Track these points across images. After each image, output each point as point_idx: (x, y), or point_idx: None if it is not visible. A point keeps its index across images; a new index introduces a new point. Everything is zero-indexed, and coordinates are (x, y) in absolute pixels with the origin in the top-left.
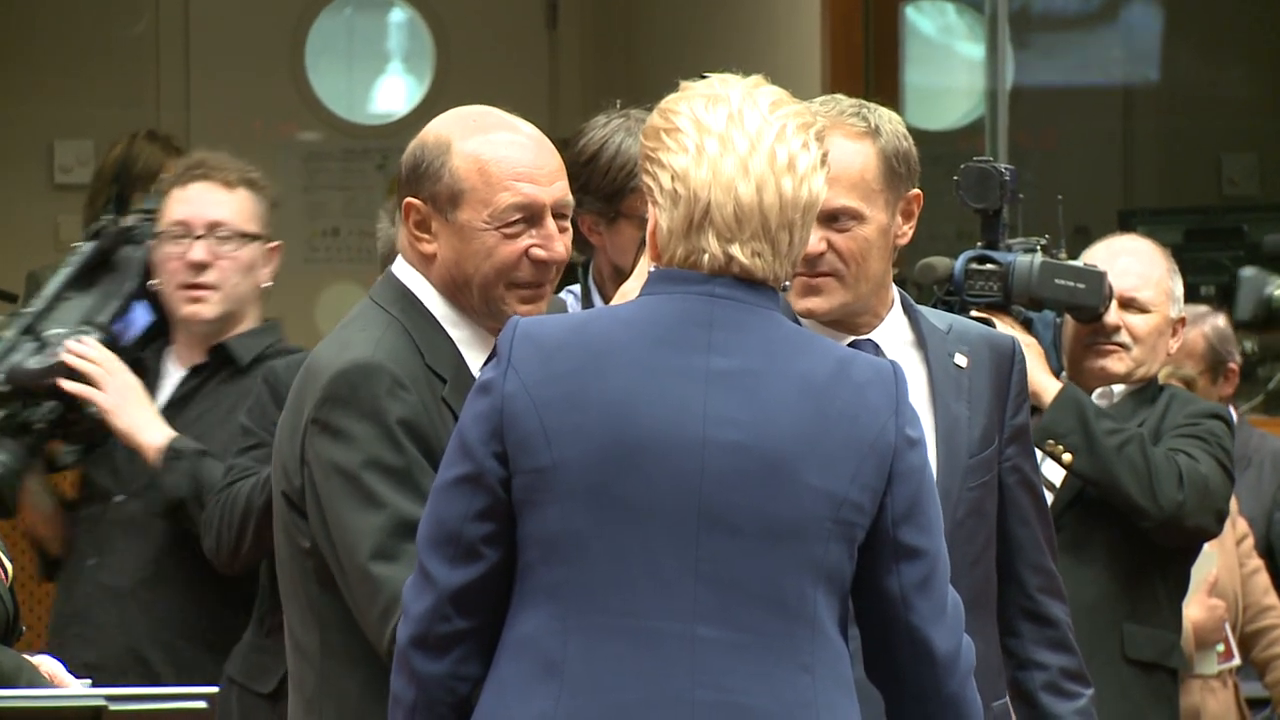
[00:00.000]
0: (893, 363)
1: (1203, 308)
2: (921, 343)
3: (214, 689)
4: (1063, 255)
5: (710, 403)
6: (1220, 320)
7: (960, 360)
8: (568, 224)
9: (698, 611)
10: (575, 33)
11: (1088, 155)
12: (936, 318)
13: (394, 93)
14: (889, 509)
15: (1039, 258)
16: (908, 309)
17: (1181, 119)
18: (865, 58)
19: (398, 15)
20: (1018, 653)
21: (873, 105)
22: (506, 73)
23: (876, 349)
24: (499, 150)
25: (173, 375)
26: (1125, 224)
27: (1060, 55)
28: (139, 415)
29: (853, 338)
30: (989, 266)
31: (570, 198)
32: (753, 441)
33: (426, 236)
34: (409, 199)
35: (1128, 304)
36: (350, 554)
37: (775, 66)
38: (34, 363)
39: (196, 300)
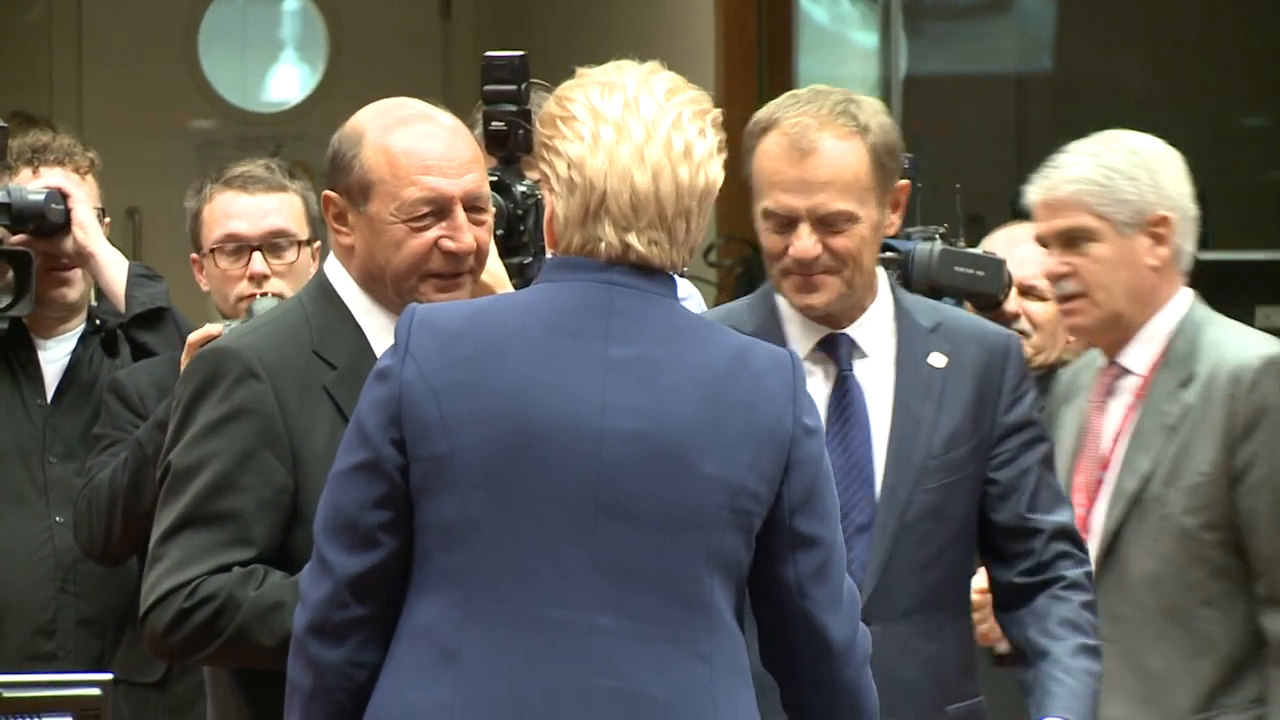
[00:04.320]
0: (790, 352)
1: None
2: (898, 341)
3: (109, 676)
4: (961, 243)
5: (608, 391)
6: None
7: (936, 360)
8: (484, 215)
9: (595, 601)
10: (469, 22)
11: (981, 144)
12: (925, 313)
13: (288, 81)
14: (785, 498)
15: (938, 245)
16: (898, 302)
17: (1075, 107)
18: (759, 47)
19: (291, 3)
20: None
21: (859, 98)
22: (400, 61)
23: (852, 344)
24: (408, 142)
25: None
26: (1019, 212)
27: (954, 44)
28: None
29: (829, 331)
30: (889, 254)
31: (485, 189)
32: (651, 430)
33: (344, 229)
34: (326, 192)
35: (1027, 291)
36: (154, 526)
37: (669, 55)
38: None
39: None
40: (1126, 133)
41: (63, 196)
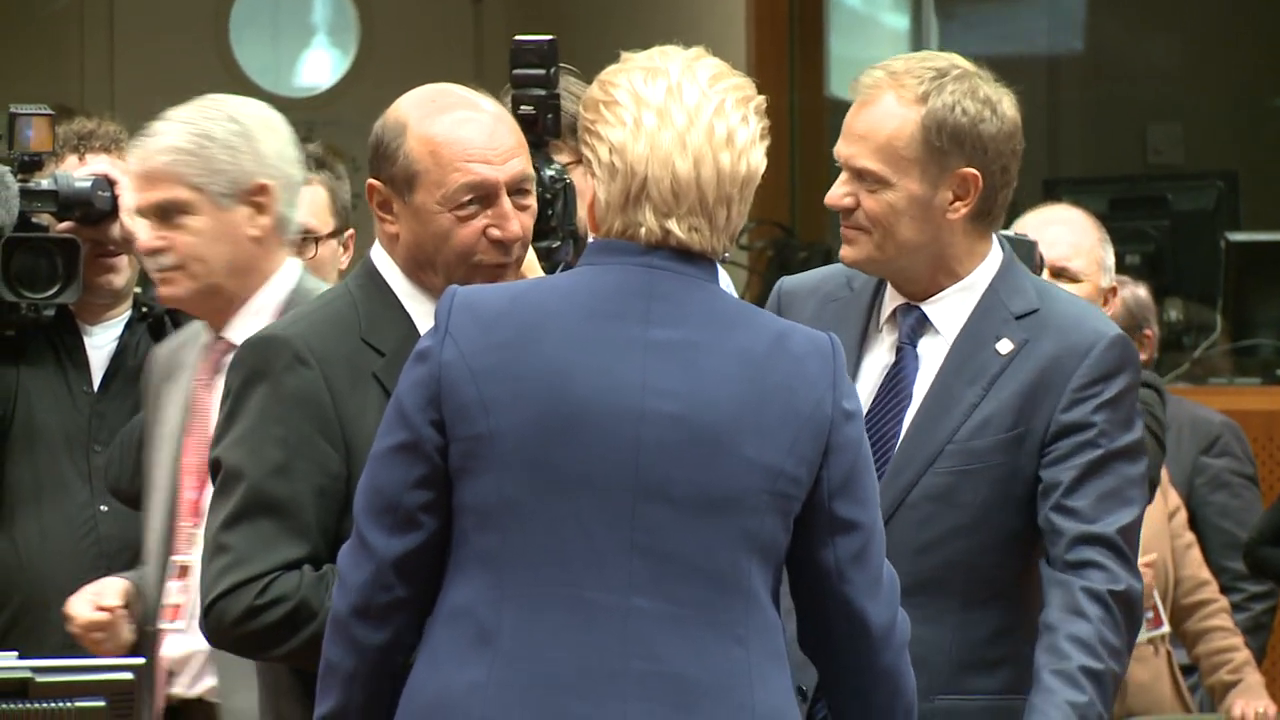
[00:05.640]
0: (830, 335)
1: (1122, 276)
2: (967, 321)
3: (141, 660)
4: None
5: (649, 374)
6: (1140, 289)
7: (1002, 346)
8: (528, 200)
9: (633, 583)
10: (500, 6)
11: None
12: (1026, 299)
13: (319, 65)
14: (825, 481)
15: None
16: (995, 285)
17: (1106, 88)
18: (790, 29)
19: None
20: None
21: (977, 80)
22: (431, 46)
23: (923, 319)
24: (452, 131)
25: None
26: (1050, 193)
27: (985, 25)
28: None
29: (905, 302)
30: None
31: (529, 173)
32: (690, 413)
33: (389, 217)
34: (370, 180)
35: (1059, 273)
36: (210, 517)
37: (701, 38)
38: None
39: None
40: (230, 98)
41: (109, 183)
